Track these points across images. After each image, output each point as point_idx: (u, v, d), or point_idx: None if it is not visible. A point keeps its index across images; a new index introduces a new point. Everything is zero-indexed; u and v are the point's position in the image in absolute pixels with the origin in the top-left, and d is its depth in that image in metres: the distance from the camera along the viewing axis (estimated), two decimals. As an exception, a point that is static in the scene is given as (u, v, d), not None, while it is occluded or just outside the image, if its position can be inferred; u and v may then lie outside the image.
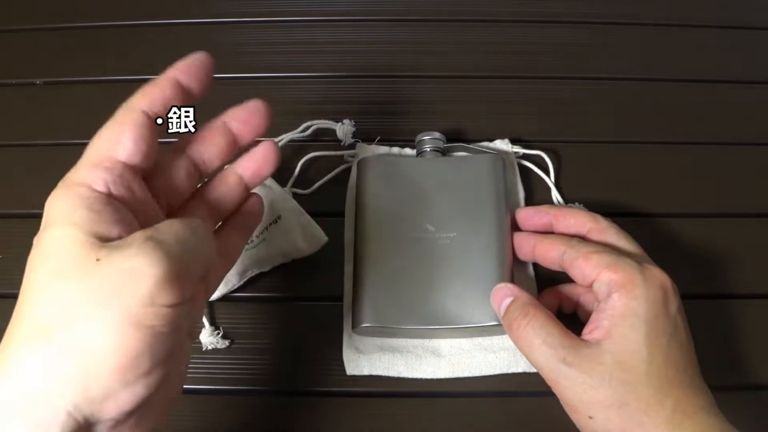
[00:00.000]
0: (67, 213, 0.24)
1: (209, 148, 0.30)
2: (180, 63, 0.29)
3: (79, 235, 0.23)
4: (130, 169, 0.26)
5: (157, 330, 0.23)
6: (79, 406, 0.22)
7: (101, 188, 0.25)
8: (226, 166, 0.32)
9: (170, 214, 0.30)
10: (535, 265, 0.41)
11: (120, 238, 0.24)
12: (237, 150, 0.31)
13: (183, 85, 0.28)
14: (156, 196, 0.29)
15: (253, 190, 0.33)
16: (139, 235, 0.24)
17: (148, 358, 0.23)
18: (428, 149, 0.42)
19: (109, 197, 0.25)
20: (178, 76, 0.28)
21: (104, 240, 0.23)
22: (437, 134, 0.43)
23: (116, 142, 0.26)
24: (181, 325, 0.24)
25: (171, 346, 0.24)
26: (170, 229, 0.25)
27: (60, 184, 0.26)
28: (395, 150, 0.44)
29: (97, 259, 0.23)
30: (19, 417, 0.21)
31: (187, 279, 0.24)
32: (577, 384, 0.30)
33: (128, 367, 0.22)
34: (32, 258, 0.24)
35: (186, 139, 0.30)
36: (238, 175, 0.32)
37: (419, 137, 0.43)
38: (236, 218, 0.33)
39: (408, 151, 0.44)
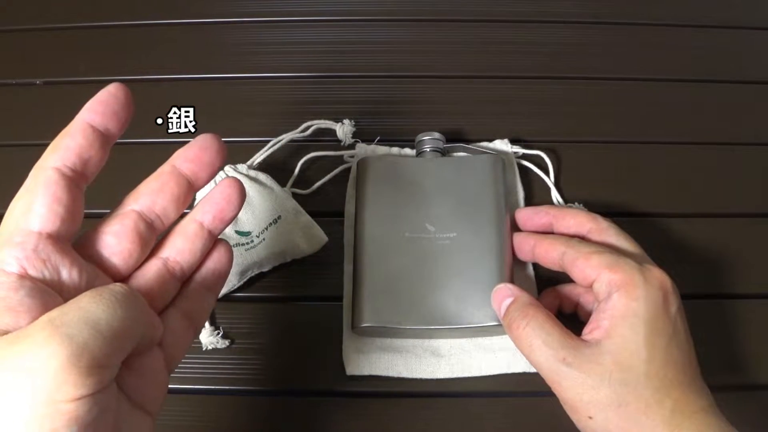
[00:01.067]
0: None
1: (160, 199, 0.26)
2: (91, 101, 0.25)
3: None
4: (50, 239, 0.23)
5: (70, 416, 0.19)
6: None
7: (13, 268, 0.22)
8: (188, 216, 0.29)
9: (123, 281, 0.26)
10: (535, 265, 0.41)
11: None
12: (194, 194, 0.28)
13: (97, 128, 0.25)
14: (100, 263, 0.25)
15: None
16: (41, 320, 0.20)
17: None
18: (428, 149, 0.42)
19: (23, 278, 0.22)
20: (89, 118, 0.25)
21: (7, 332, 0.21)
22: (437, 134, 0.43)
23: (27, 211, 0.23)
24: (102, 417, 0.21)
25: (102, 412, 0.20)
26: (77, 305, 0.21)
27: None
28: (395, 150, 0.44)
29: None
30: None
31: (100, 364, 0.20)
32: (576, 384, 0.30)
33: None
34: None
35: (134, 193, 0.27)
36: (197, 223, 0.28)
37: (419, 137, 0.43)
38: (203, 272, 0.29)
39: (408, 151, 0.44)
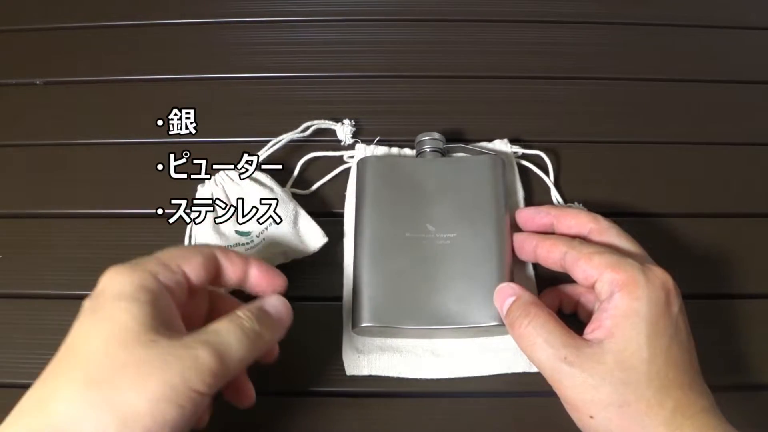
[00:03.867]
0: (134, 293, 0.28)
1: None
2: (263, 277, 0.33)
3: (143, 317, 0.27)
4: (187, 278, 0.31)
5: (186, 410, 0.26)
6: None
7: (163, 280, 0.30)
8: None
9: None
10: (535, 265, 0.41)
11: (164, 324, 0.28)
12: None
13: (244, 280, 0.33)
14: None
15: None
16: (198, 334, 0.28)
17: (170, 430, 0.26)
18: (428, 149, 0.42)
19: (165, 287, 0.29)
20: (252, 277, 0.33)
21: (155, 325, 0.27)
22: (437, 135, 0.43)
23: (189, 263, 0.31)
24: (199, 412, 0.28)
25: (186, 427, 0.27)
26: (224, 330, 0.29)
27: (127, 264, 0.30)
28: (394, 150, 0.44)
29: (152, 340, 0.27)
30: None
31: (223, 376, 0.28)
32: (578, 383, 0.30)
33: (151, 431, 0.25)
34: (94, 318, 0.28)
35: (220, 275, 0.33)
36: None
37: (419, 137, 0.43)
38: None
39: (407, 151, 0.44)
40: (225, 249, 0.33)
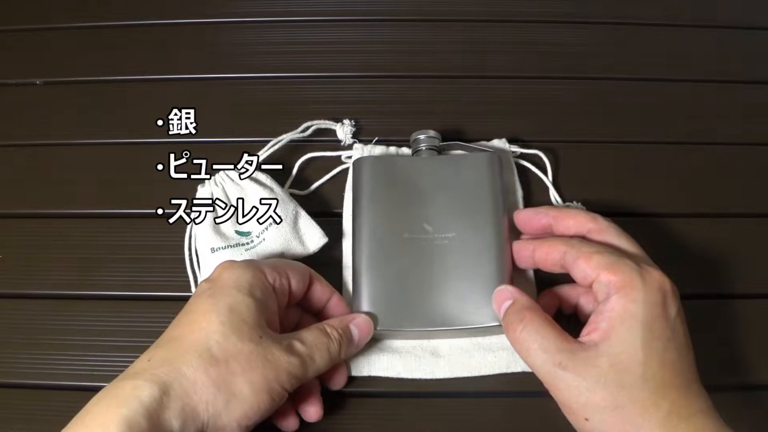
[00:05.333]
0: (249, 288, 0.33)
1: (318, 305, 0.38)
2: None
3: (255, 312, 0.32)
4: (290, 285, 0.35)
5: (275, 402, 0.32)
6: (204, 415, 0.30)
7: (272, 282, 0.34)
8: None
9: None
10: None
11: (267, 322, 0.33)
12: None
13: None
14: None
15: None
16: (292, 340, 0.33)
17: (259, 417, 0.31)
18: (424, 148, 0.42)
19: (272, 289, 0.34)
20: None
21: (262, 322, 0.32)
22: (432, 132, 0.42)
23: (293, 272, 0.35)
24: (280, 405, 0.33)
25: (268, 415, 0.32)
26: (314, 344, 0.33)
27: (243, 261, 0.35)
28: (392, 150, 0.44)
29: (260, 336, 0.31)
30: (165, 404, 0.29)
31: (302, 381, 0.33)
32: (572, 386, 0.30)
33: (248, 416, 0.31)
34: (213, 301, 0.32)
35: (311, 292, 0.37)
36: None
37: (414, 136, 0.43)
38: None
39: (405, 150, 0.44)
40: (317, 273, 0.37)
